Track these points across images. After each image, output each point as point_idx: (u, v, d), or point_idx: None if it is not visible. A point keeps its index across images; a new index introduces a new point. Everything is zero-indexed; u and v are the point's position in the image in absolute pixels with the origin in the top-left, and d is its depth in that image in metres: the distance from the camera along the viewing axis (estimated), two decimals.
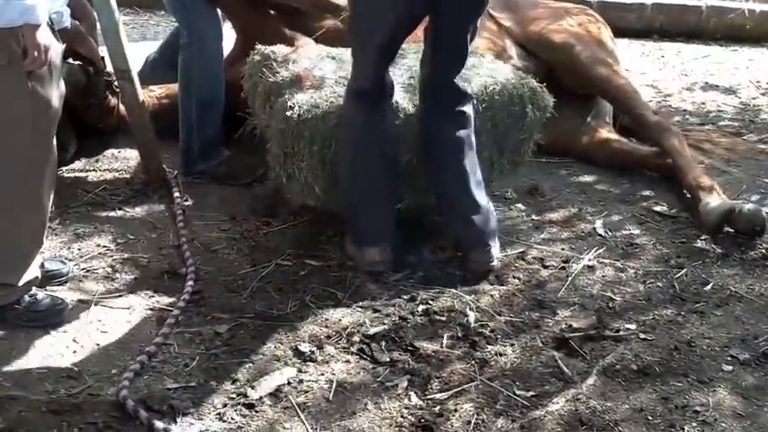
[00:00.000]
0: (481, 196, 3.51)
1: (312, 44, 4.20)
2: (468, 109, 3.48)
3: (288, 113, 3.50)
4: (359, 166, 3.48)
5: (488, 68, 3.84)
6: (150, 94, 4.34)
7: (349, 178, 3.51)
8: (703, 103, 5.44)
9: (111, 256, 3.52)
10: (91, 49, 4.09)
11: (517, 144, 3.83)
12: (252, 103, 3.86)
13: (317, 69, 3.74)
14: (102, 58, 4.07)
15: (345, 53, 3.76)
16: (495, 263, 3.54)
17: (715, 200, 3.91)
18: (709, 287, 3.50)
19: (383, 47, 3.38)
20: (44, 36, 2.74)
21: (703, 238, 3.85)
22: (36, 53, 2.73)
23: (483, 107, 3.66)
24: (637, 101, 4.47)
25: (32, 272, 3.05)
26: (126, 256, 3.52)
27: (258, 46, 3.91)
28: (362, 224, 3.52)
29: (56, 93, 2.91)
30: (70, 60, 3.96)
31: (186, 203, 3.91)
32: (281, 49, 3.89)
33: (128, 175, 4.14)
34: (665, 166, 4.29)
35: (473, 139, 3.49)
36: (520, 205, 4.09)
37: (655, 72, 5.74)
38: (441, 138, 3.48)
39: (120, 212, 3.85)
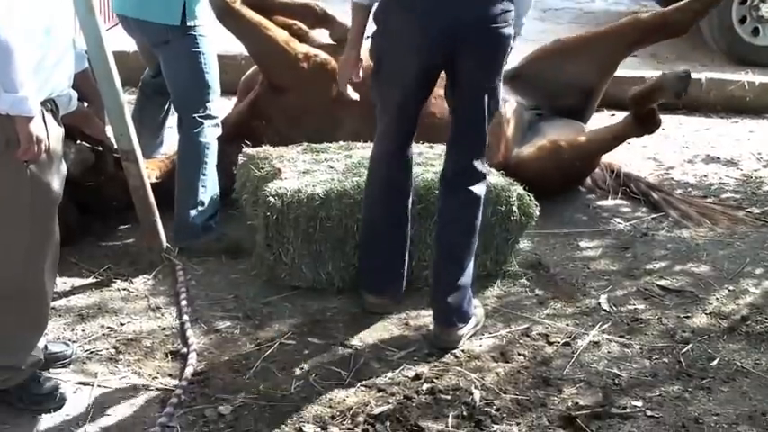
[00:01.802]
0: (466, 277, 3.52)
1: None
2: (480, 190, 3.50)
3: (272, 200, 3.76)
4: (368, 219, 3.66)
5: None
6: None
7: (362, 229, 3.71)
8: (705, 176, 5.46)
9: (115, 337, 3.51)
10: (98, 129, 4.13)
11: (502, 244, 4.03)
12: (244, 203, 4.13)
13: (299, 162, 4.06)
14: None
15: (327, 147, 4.25)
16: (458, 344, 3.53)
17: None
18: (715, 362, 3.48)
19: (400, 109, 3.48)
20: (37, 128, 2.74)
21: (708, 312, 3.85)
22: (28, 145, 2.73)
23: None
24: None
25: (36, 355, 3.04)
26: (129, 336, 3.52)
27: (245, 149, 4.23)
28: (366, 272, 3.73)
29: (56, 177, 2.92)
30: (78, 141, 4.02)
31: (191, 282, 3.91)
32: (266, 149, 4.22)
33: (132, 254, 4.15)
34: None
35: (478, 221, 3.52)
36: (524, 280, 4.08)
37: (656, 145, 5.76)
38: (445, 210, 3.54)
39: (124, 292, 3.85)
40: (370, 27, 3.50)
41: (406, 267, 3.71)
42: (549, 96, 5.00)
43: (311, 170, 3.99)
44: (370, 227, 3.68)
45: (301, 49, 4.64)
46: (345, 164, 4.07)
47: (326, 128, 4.56)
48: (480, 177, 3.49)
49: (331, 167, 4.03)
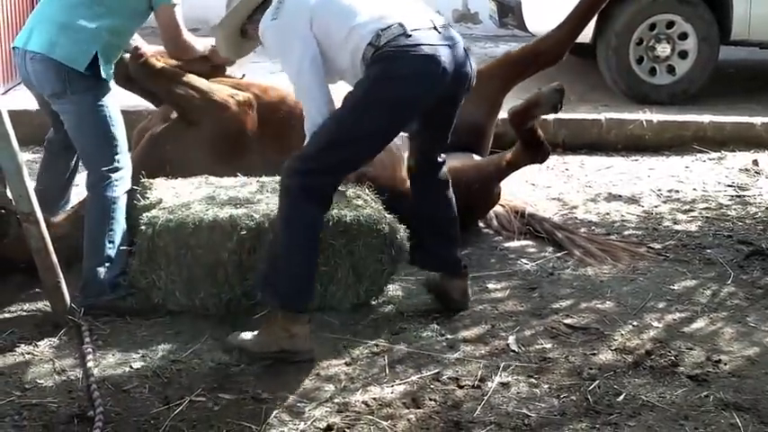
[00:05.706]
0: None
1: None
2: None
3: (142, 228, 3.98)
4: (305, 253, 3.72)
5: (355, 204, 4.23)
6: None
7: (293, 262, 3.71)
8: (608, 214, 5.59)
9: (20, 402, 3.43)
10: None
11: (376, 275, 4.22)
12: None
13: (184, 194, 4.22)
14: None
15: (221, 181, 4.38)
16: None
17: None
18: (621, 398, 3.55)
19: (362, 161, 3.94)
20: None
21: (614, 348, 3.93)
22: None
23: (340, 231, 4.06)
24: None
25: None
26: (34, 401, 3.44)
27: (142, 180, 4.29)
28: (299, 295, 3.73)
29: None
30: None
31: (97, 343, 3.85)
32: (159, 181, 4.35)
33: (37, 317, 4.07)
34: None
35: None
36: (434, 324, 4.12)
37: (560, 185, 5.90)
38: (428, 183, 4.18)
39: (28, 356, 3.77)
40: None
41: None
42: None
43: (191, 201, 4.13)
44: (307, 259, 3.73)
45: (225, 90, 4.77)
46: (230, 196, 4.19)
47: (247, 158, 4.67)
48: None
49: (212, 198, 4.16)
